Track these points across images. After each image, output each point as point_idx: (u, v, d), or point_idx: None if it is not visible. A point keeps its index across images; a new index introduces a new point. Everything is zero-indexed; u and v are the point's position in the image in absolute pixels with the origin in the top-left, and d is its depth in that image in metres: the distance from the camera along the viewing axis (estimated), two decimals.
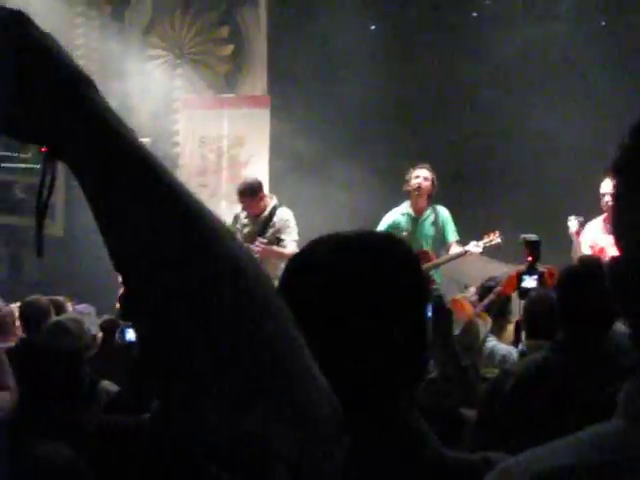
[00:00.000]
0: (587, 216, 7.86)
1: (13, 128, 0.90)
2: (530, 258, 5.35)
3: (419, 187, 7.88)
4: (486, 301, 5.59)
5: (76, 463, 2.96)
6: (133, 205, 0.87)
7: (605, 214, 7.53)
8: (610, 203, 7.11)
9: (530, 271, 5.30)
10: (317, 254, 1.43)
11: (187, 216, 0.88)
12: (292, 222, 8.03)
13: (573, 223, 7.72)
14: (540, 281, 5.21)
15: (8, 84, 0.87)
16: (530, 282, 5.23)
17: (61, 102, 0.88)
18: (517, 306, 5.37)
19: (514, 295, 5.50)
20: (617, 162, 0.98)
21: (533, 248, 5.37)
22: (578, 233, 7.63)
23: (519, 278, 5.27)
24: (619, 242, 0.97)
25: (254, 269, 0.90)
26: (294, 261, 1.47)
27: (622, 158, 0.97)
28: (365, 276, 1.38)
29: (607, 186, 7.32)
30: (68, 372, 3.44)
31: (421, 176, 7.91)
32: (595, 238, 7.57)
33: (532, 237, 5.45)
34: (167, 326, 0.86)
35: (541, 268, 5.35)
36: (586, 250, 7.51)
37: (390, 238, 1.52)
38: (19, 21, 0.90)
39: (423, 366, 1.48)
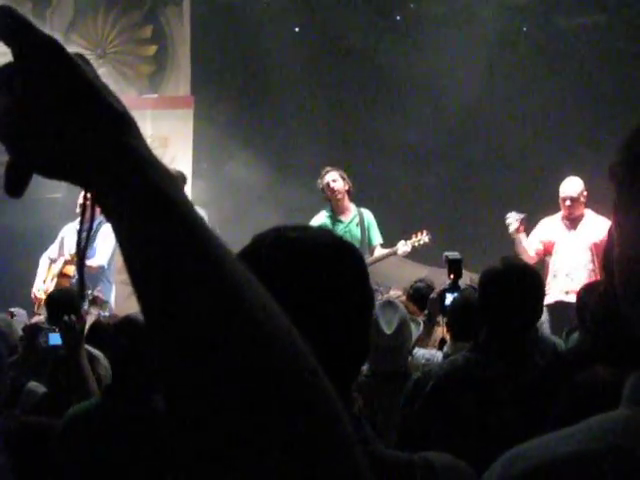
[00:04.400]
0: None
1: (46, 164, 0.83)
2: (452, 276, 5.31)
3: (334, 191, 7.97)
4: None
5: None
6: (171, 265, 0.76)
7: (562, 212, 7.63)
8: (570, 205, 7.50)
9: (453, 289, 5.25)
10: (262, 255, 1.38)
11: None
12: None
13: (513, 220, 7.55)
14: None
15: (48, 118, 0.80)
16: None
17: (104, 142, 0.80)
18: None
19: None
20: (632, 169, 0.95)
21: (455, 266, 5.32)
22: (519, 230, 7.53)
23: (441, 296, 5.23)
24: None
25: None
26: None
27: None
28: (312, 282, 1.37)
29: (568, 189, 7.54)
30: None
31: (329, 180, 7.99)
32: (549, 234, 7.68)
33: (454, 255, 5.37)
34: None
35: (463, 286, 5.31)
36: (537, 244, 7.66)
37: (340, 242, 1.49)
38: (60, 48, 0.81)
39: (361, 365, 1.51)
